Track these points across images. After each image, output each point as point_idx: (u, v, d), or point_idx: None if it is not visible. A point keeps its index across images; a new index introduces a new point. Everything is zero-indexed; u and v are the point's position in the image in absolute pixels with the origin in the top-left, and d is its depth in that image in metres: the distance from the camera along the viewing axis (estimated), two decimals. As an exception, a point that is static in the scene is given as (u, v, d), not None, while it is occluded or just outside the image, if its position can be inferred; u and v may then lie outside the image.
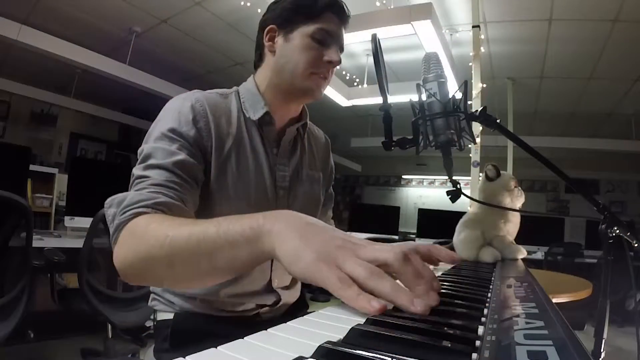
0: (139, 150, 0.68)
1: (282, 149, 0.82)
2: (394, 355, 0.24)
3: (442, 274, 0.63)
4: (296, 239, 0.40)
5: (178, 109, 0.71)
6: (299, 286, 0.92)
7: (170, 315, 0.76)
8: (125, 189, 0.64)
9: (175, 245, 0.48)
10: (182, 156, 0.66)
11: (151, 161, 0.65)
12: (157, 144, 0.67)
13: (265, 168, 0.78)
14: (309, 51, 0.76)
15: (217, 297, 0.75)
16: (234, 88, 0.84)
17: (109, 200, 0.61)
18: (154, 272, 0.53)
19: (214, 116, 0.73)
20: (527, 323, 0.30)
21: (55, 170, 3.45)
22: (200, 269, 0.48)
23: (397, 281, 0.38)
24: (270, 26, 0.79)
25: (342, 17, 0.79)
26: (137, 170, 0.64)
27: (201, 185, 0.70)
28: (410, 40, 3.17)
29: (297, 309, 0.90)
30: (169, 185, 0.62)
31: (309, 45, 0.76)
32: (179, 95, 0.75)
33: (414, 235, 4.89)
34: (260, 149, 0.78)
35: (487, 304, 0.39)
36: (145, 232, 0.53)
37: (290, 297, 0.87)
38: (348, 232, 0.44)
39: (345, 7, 0.80)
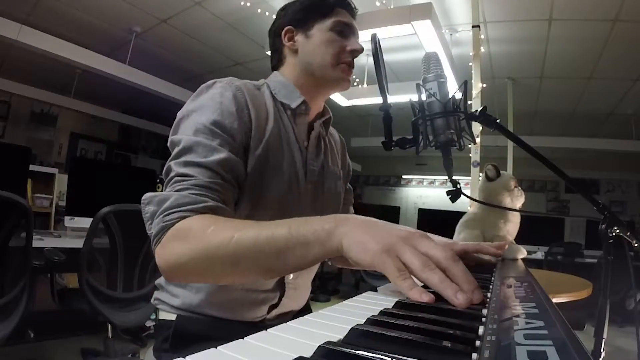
0: (173, 139, 0.66)
1: (311, 145, 0.81)
2: (394, 355, 0.24)
3: None
4: (363, 233, 0.45)
5: (219, 99, 0.68)
6: (307, 292, 0.89)
7: (173, 316, 0.74)
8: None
9: (242, 245, 0.50)
10: (224, 154, 0.63)
11: (191, 157, 0.62)
12: (197, 137, 0.63)
13: (299, 163, 0.77)
14: (333, 43, 0.78)
15: (228, 292, 0.73)
16: (262, 80, 0.82)
17: (147, 196, 0.60)
18: (212, 271, 0.54)
19: (254, 108, 0.71)
20: (527, 323, 0.29)
21: (55, 170, 3.44)
22: (267, 266, 0.51)
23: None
24: (287, 27, 0.80)
25: (351, 10, 0.82)
26: (176, 167, 0.62)
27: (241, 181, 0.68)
28: (410, 40, 3.16)
29: (300, 312, 0.89)
30: (212, 187, 0.60)
31: (331, 38, 0.78)
32: (217, 82, 0.72)
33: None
34: (294, 143, 0.77)
35: (487, 304, 0.39)
36: (203, 233, 0.53)
37: (297, 302, 0.85)
38: None
39: (351, 1, 0.83)
